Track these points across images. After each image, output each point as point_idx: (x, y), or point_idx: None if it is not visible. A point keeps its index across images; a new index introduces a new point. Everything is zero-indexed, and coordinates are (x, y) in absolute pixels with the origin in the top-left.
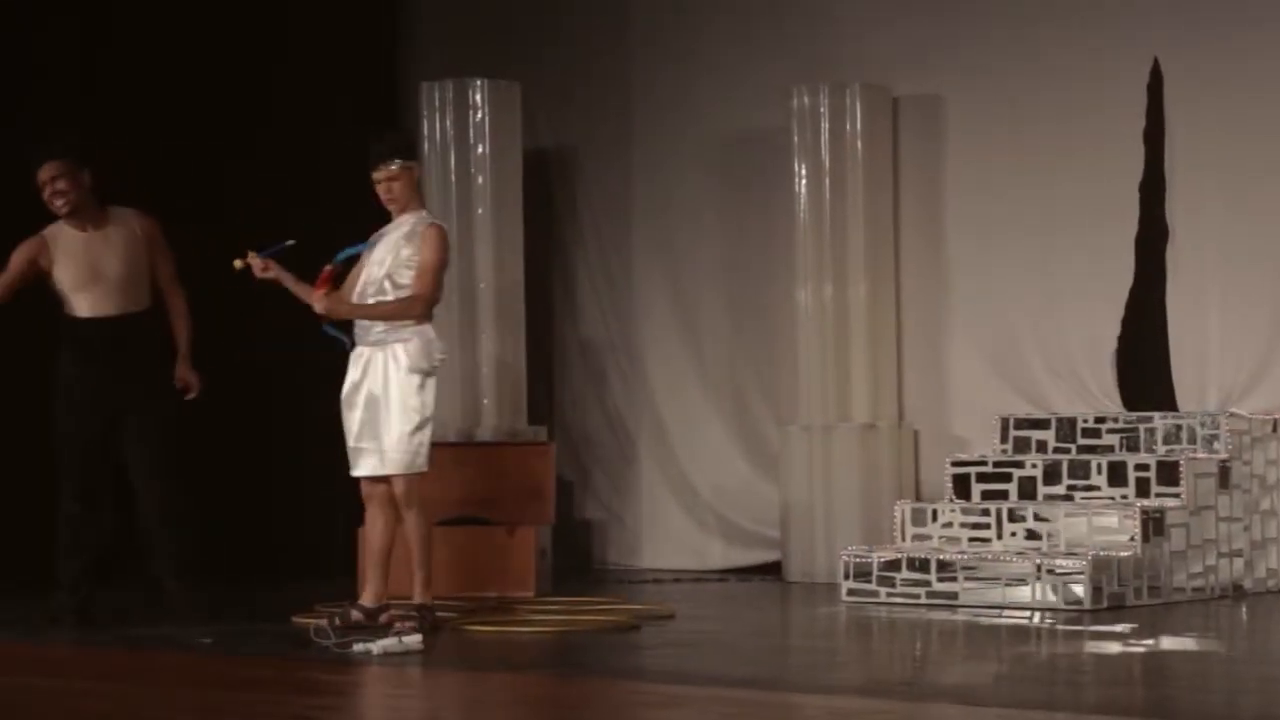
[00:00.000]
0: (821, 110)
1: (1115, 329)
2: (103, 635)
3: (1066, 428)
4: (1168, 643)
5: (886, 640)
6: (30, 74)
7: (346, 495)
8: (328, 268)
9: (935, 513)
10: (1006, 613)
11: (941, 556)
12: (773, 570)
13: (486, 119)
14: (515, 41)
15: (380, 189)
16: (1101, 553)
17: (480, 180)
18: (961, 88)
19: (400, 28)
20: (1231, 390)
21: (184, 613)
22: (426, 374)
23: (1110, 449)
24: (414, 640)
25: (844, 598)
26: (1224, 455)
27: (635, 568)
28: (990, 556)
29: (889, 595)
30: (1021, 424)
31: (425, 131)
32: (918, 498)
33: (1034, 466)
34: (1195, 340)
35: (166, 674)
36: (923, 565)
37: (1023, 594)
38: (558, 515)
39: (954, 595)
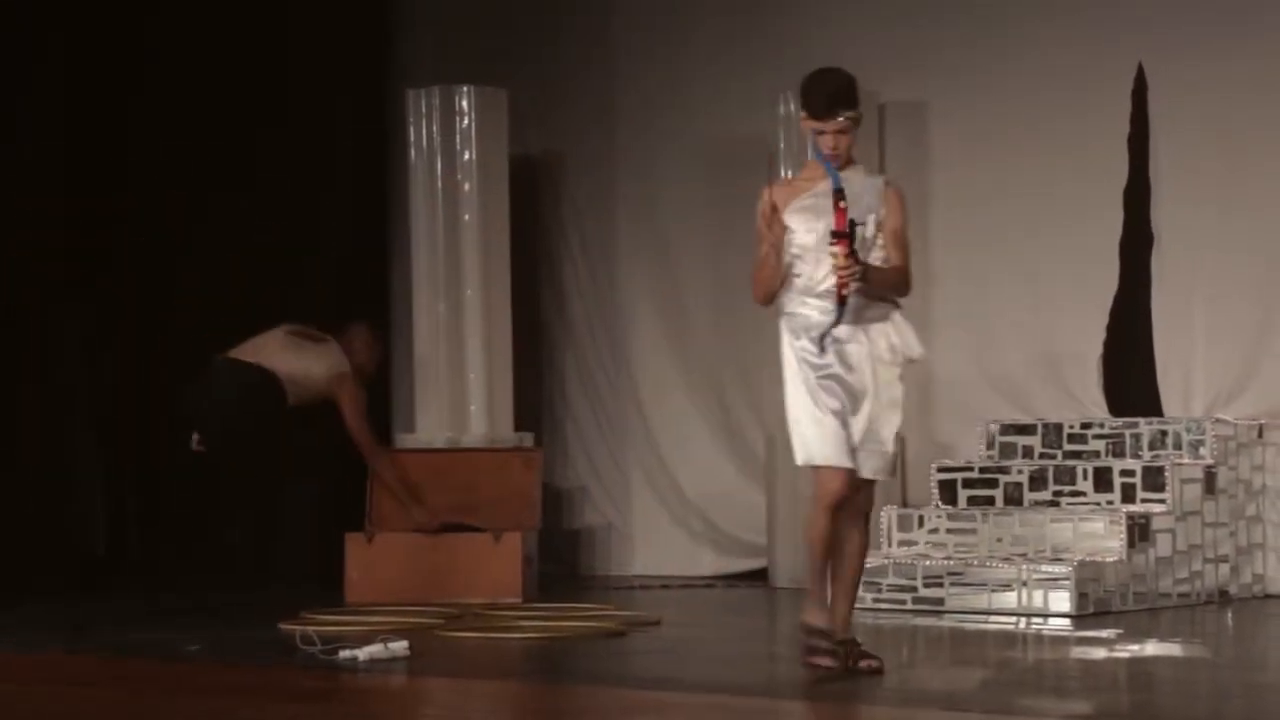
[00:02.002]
0: None
1: (1101, 334)
2: (90, 642)
3: (1052, 433)
4: (1153, 649)
5: (872, 646)
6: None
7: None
8: (842, 205)
9: (921, 519)
10: (992, 619)
11: (927, 563)
12: (760, 576)
13: (473, 125)
14: (502, 48)
15: (825, 142)
16: (1087, 558)
17: (467, 187)
18: (947, 94)
19: (387, 35)
20: (1217, 396)
21: None
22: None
23: (1096, 455)
24: (400, 647)
25: None
26: (1210, 461)
27: (622, 574)
28: (976, 562)
29: (875, 601)
30: (1007, 430)
31: (412, 138)
32: (904, 504)
33: (1020, 472)
34: (1181, 346)
35: (154, 681)
36: (909, 571)
37: (1009, 600)
38: (544, 522)
39: (940, 601)
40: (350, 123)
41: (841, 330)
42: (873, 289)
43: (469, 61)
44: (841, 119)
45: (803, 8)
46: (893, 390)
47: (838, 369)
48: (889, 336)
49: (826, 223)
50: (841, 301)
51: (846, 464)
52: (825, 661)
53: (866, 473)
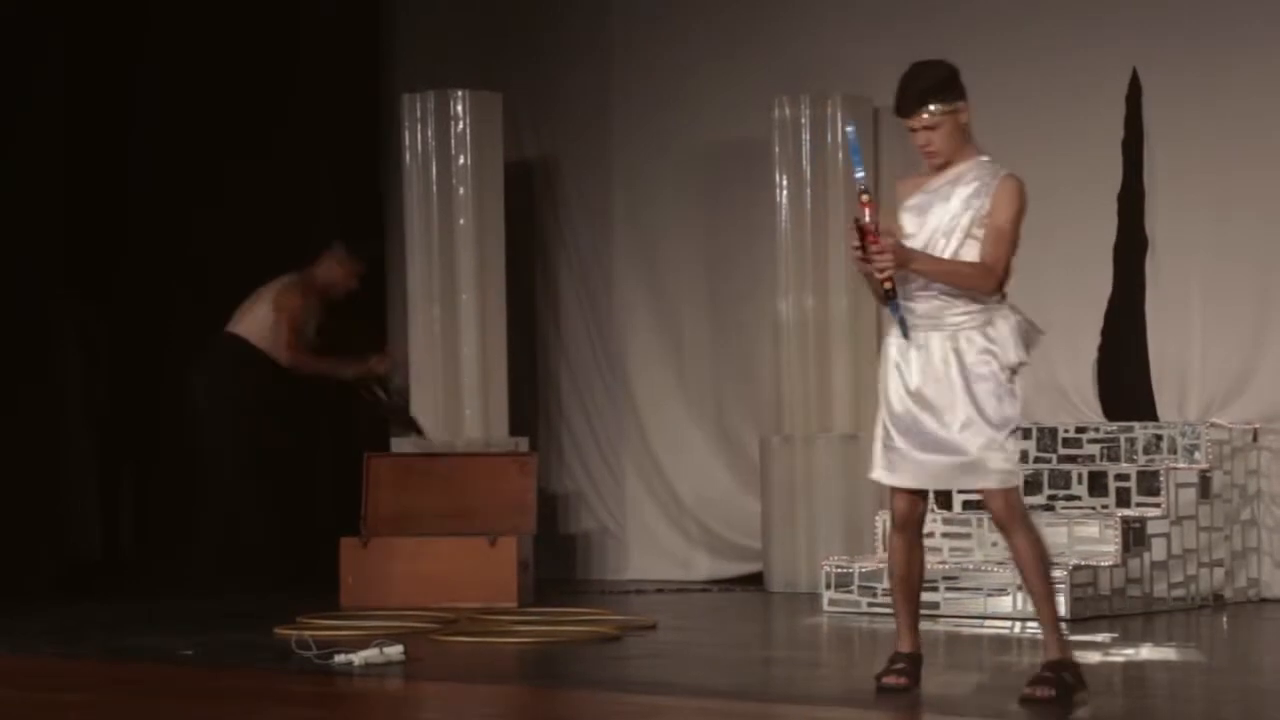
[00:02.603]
0: (803, 121)
1: (1095, 339)
2: (84, 646)
3: (1047, 437)
4: (1148, 653)
5: (868, 650)
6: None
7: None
8: (864, 198)
9: None
10: (988, 623)
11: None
12: (755, 581)
13: (468, 130)
14: (497, 53)
15: (915, 140)
16: (1082, 563)
17: (462, 191)
18: None
19: (382, 39)
20: (1212, 400)
21: None
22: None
23: (1091, 459)
24: (395, 651)
25: (825, 608)
26: (1205, 465)
27: (618, 579)
28: (971, 567)
29: (870, 605)
30: None
31: (407, 143)
32: None
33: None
34: (1175, 350)
35: (148, 685)
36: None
37: (1004, 604)
38: (540, 526)
39: (935, 605)
40: (345, 127)
41: (918, 337)
42: (936, 282)
43: (464, 66)
44: (925, 115)
45: (798, 12)
46: (979, 397)
47: (909, 378)
48: (982, 341)
49: (934, 221)
50: (889, 296)
51: (894, 481)
52: (889, 680)
53: (962, 485)
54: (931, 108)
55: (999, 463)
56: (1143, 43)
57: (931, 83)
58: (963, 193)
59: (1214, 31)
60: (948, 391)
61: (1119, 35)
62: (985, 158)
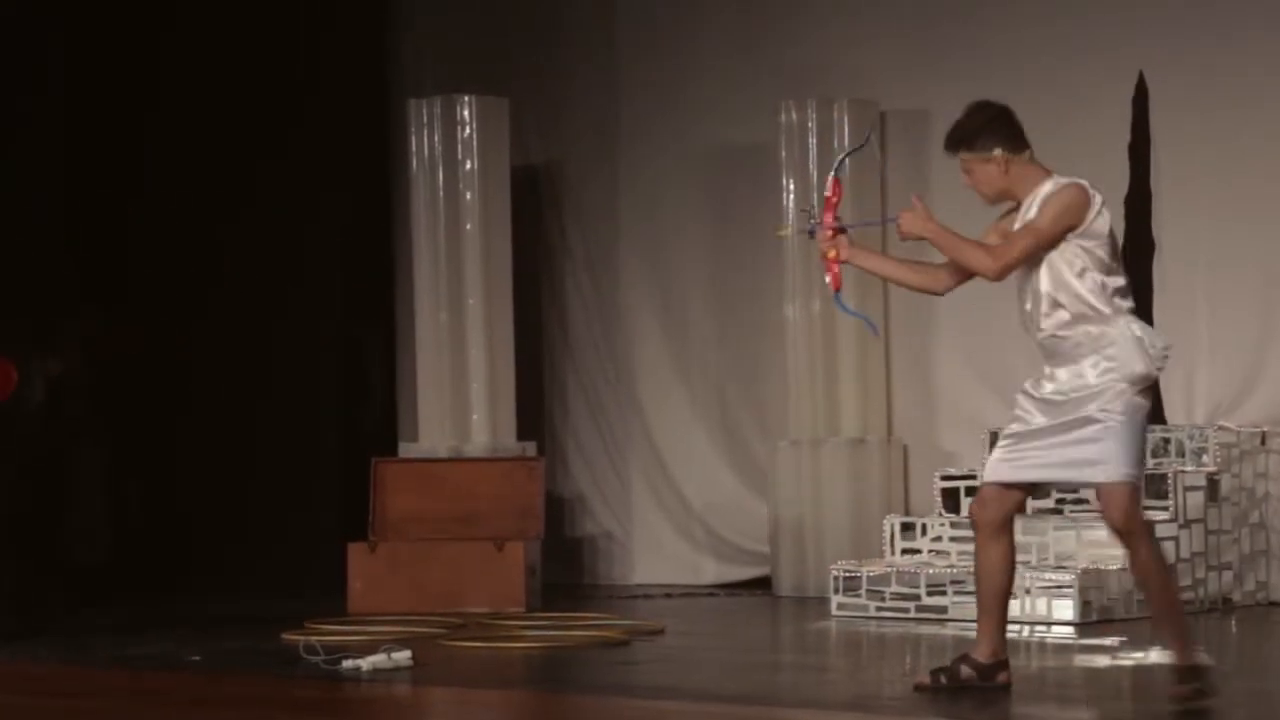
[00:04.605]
0: (809, 125)
1: None
2: (95, 653)
3: None
4: (1157, 656)
5: (876, 655)
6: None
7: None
8: (832, 177)
9: (924, 527)
10: None
11: (931, 571)
12: (763, 585)
13: (474, 135)
14: (503, 58)
15: (964, 178)
16: (1091, 566)
17: (468, 196)
18: (948, 101)
19: (389, 44)
20: (1220, 403)
21: None
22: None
23: None
24: (403, 656)
25: (834, 612)
26: (1213, 468)
27: (625, 584)
28: None
29: (878, 610)
30: None
31: (413, 148)
32: (907, 512)
33: None
34: (1183, 353)
35: (156, 692)
36: (912, 580)
37: (1012, 608)
38: (547, 531)
39: (943, 610)
40: (352, 132)
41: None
42: (943, 253)
43: (470, 71)
44: (960, 159)
45: (804, 16)
46: (1095, 413)
47: (1040, 391)
48: (1103, 363)
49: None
50: (832, 276)
51: (992, 478)
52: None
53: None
54: (963, 154)
55: (1098, 471)
56: (1150, 46)
57: (965, 131)
58: (1024, 219)
59: (1221, 35)
60: (1061, 410)
61: (1126, 39)
62: (1049, 185)
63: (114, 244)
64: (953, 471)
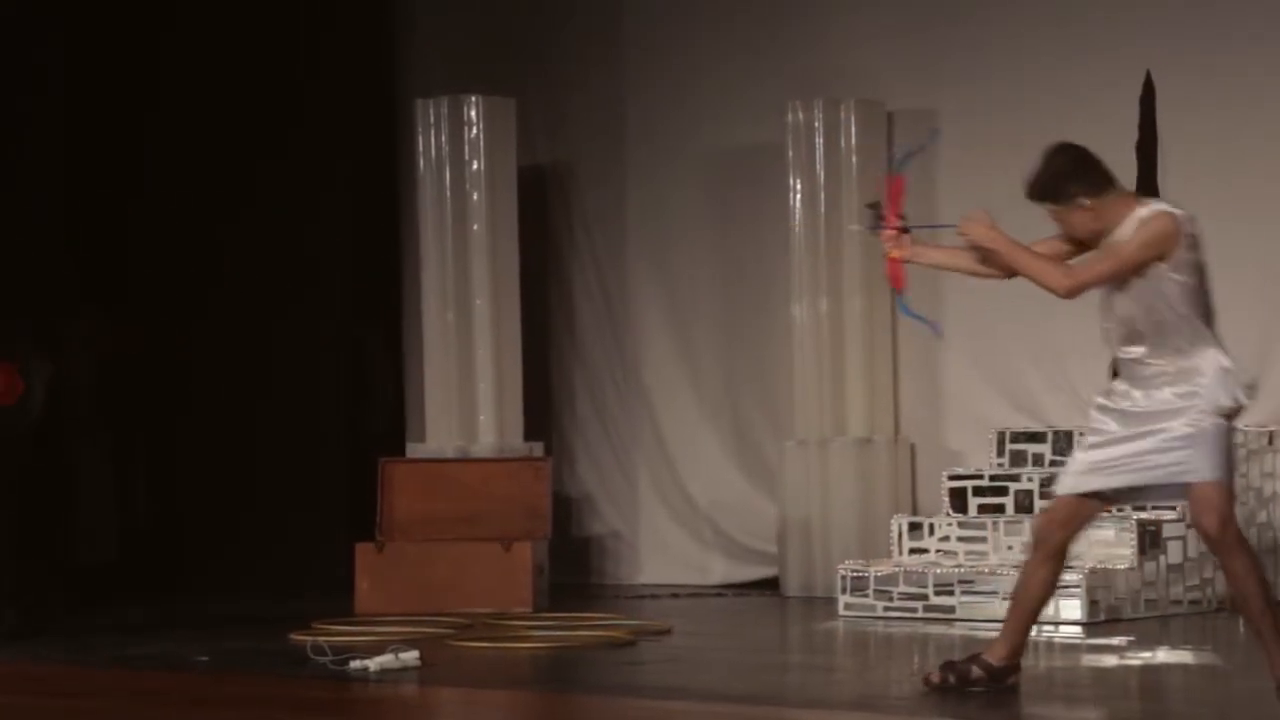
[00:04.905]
0: (816, 125)
1: None
2: (98, 653)
3: (1062, 440)
4: (1164, 656)
5: (884, 655)
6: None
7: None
8: (895, 175)
9: (932, 526)
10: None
11: (938, 571)
12: (770, 585)
13: (482, 135)
14: (510, 58)
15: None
16: (1098, 566)
17: (475, 196)
18: (955, 101)
19: (396, 45)
20: None
21: None
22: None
23: None
24: (410, 657)
25: (841, 612)
26: None
27: (632, 584)
28: (987, 570)
29: (886, 609)
30: (1017, 437)
31: (420, 148)
32: (914, 511)
33: (1030, 480)
34: None
35: (162, 693)
36: (920, 579)
37: None
38: (555, 531)
39: (951, 609)
40: (359, 132)
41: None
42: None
43: (477, 71)
44: (1044, 208)
45: (812, 17)
46: (1181, 425)
47: (1117, 403)
48: (1187, 388)
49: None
50: (894, 275)
51: (1081, 489)
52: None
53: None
54: (1049, 206)
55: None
56: (1157, 45)
57: (1045, 184)
58: (1114, 239)
59: (1228, 34)
60: (1139, 424)
61: (1133, 38)
62: (1144, 211)
63: (114, 244)
64: (960, 471)
